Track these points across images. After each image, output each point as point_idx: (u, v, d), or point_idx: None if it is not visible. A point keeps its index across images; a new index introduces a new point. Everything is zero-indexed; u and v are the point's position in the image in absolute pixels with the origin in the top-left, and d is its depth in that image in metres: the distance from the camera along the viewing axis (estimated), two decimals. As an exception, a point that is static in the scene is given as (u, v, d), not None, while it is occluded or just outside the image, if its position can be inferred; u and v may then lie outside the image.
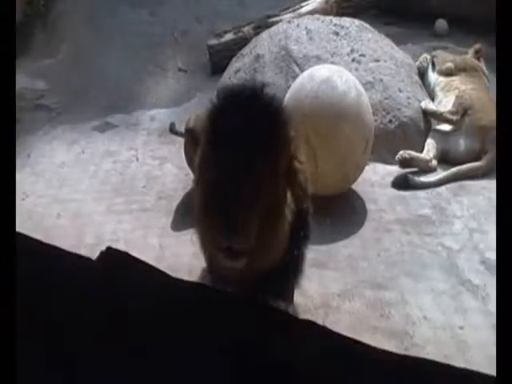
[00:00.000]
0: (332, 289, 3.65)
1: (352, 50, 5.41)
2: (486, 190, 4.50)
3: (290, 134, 2.44)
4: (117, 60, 6.70)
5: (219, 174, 2.28)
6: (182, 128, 4.53)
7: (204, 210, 2.39)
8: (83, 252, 1.83)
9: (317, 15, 6.07)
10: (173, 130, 4.77)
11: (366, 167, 4.54)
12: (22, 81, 5.96)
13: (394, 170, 4.81)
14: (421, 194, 4.60)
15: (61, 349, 1.53)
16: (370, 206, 4.44)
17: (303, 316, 3.18)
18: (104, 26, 7.19)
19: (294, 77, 4.84)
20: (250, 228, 2.27)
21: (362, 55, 5.38)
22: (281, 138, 2.38)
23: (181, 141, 4.55)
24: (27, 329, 1.45)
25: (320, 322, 3.14)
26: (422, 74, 5.73)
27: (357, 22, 5.81)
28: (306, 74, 4.44)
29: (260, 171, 2.28)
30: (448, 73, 5.54)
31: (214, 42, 6.61)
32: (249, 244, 2.28)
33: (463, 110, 4.98)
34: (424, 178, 4.73)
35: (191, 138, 4.10)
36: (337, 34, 5.56)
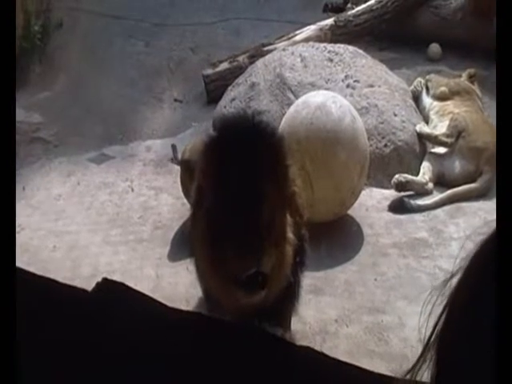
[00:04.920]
0: (329, 314, 3.65)
1: (346, 76, 5.43)
2: (482, 211, 4.50)
3: (287, 160, 2.47)
4: (112, 91, 6.72)
5: (228, 205, 2.30)
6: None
7: (215, 244, 2.39)
8: (79, 284, 1.83)
9: (311, 42, 6.11)
10: (174, 154, 4.74)
11: (362, 192, 4.55)
12: (18, 114, 5.96)
13: (390, 193, 4.82)
14: (417, 217, 4.60)
15: (58, 380, 1.53)
16: (366, 231, 4.44)
17: (301, 342, 3.17)
18: (100, 58, 7.22)
19: (289, 104, 4.86)
20: (272, 251, 2.31)
21: (357, 81, 5.40)
22: (280, 164, 2.41)
23: (177, 170, 4.56)
24: (24, 361, 1.44)
25: (318, 347, 3.13)
26: (417, 98, 5.74)
27: (351, 48, 5.85)
28: (300, 100, 4.47)
29: (269, 199, 2.31)
30: (442, 97, 5.56)
31: (209, 71, 6.63)
32: (270, 267, 2.30)
33: (457, 133, 5.00)
34: (420, 201, 4.73)
35: (187, 167, 4.10)
36: (331, 60, 5.59)
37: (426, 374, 1.00)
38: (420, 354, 1.00)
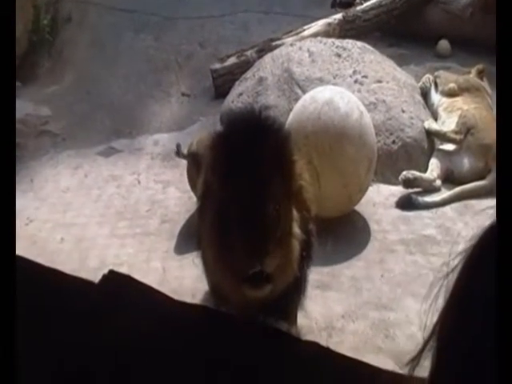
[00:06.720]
0: (336, 310, 3.64)
1: (354, 72, 5.42)
2: (491, 209, 4.47)
3: (293, 155, 2.46)
4: (121, 85, 6.73)
5: (234, 200, 2.30)
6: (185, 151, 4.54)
7: (222, 239, 2.39)
8: (86, 276, 1.83)
9: (319, 38, 6.10)
10: (179, 151, 4.76)
11: (370, 188, 4.53)
12: (27, 107, 6.00)
13: (398, 190, 4.80)
14: (425, 213, 4.58)
15: (63, 372, 1.53)
16: (373, 227, 4.42)
17: (306, 337, 3.16)
18: (108, 52, 7.23)
19: (297, 99, 4.84)
20: (277, 249, 2.30)
21: (365, 76, 5.39)
22: (286, 160, 2.41)
23: (184, 164, 4.56)
24: (28, 353, 1.44)
25: (323, 343, 3.13)
26: (425, 95, 5.71)
27: (359, 43, 5.83)
28: (308, 95, 4.45)
29: (275, 194, 2.31)
30: (451, 93, 5.53)
31: (217, 66, 6.62)
32: (274, 266, 2.30)
33: (466, 130, 4.98)
34: (428, 198, 4.71)
35: (194, 161, 4.10)
36: (339, 55, 5.58)
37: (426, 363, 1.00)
38: (422, 345, 1.01)
